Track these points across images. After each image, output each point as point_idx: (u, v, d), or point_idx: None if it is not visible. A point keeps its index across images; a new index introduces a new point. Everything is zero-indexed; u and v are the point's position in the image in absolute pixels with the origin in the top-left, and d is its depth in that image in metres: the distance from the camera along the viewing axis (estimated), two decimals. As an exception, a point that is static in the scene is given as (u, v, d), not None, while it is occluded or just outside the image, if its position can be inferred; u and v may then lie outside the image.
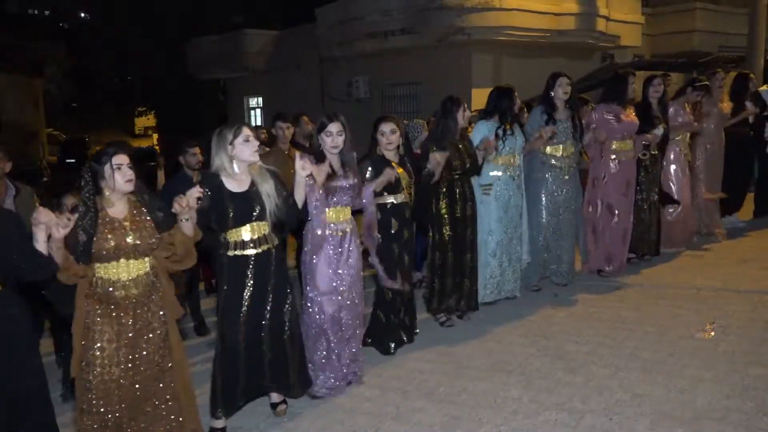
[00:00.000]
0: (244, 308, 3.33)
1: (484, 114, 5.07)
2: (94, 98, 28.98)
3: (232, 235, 3.29)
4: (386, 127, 4.15)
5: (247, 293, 3.33)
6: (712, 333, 4.34)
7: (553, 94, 5.28)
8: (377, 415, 3.54)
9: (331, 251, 3.72)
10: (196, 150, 5.23)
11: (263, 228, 3.33)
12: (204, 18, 20.79)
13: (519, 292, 5.25)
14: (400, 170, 4.17)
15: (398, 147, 4.21)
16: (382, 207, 4.14)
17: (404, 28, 12.99)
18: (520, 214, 5.13)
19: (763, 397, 3.44)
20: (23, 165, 15.14)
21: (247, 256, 3.30)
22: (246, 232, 3.29)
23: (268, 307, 3.38)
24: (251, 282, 3.32)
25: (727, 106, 6.86)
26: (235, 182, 3.30)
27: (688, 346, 4.15)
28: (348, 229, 3.78)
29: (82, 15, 32.89)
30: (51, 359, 4.82)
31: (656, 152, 5.99)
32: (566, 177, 5.37)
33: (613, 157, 5.66)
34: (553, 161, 5.34)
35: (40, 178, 18.11)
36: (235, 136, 3.25)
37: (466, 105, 4.69)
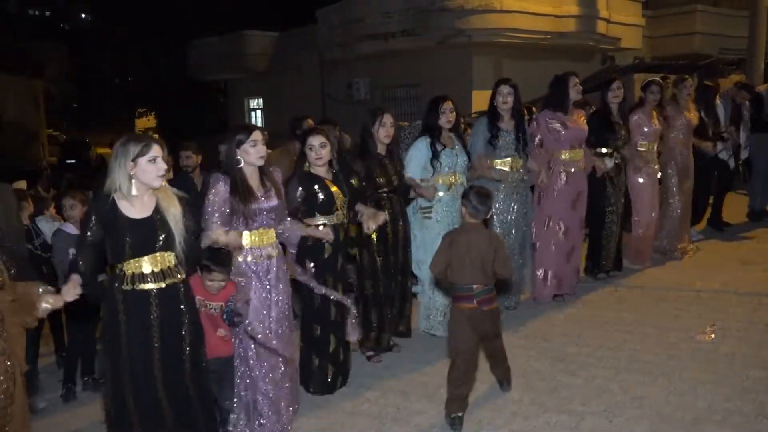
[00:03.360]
0: (156, 357, 2.77)
1: (422, 129, 4.64)
2: (94, 99, 28.98)
3: (130, 267, 2.74)
4: (315, 141, 3.72)
5: (155, 338, 2.77)
6: (712, 335, 4.34)
7: (496, 103, 4.83)
8: (378, 417, 3.54)
9: (252, 278, 3.28)
10: (189, 152, 5.29)
11: (168, 259, 2.81)
12: (205, 19, 20.83)
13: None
14: (334, 188, 3.76)
15: (331, 162, 3.81)
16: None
17: (405, 30, 13.01)
18: None
19: (763, 399, 3.44)
20: (24, 165, 15.15)
21: (147, 291, 2.76)
22: (146, 264, 2.75)
23: (187, 351, 2.85)
24: (157, 322, 2.77)
25: (695, 115, 6.30)
26: (134, 206, 2.77)
27: (688, 349, 4.15)
28: (273, 254, 3.36)
29: (83, 16, 32.91)
30: (51, 360, 4.83)
31: (619, 161, 5.56)
32: (515, 193, 4.90)
33: (562, 168, 5.15)
34: (500, 177, 4.87)
35: (41, 178, 18.11)
36: (141, 154, 2.71)
37: (387, 118, 4.19)
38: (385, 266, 4.27)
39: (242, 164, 3.22)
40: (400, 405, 3.66)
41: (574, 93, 5.10)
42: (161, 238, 2.77)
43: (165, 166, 2.79)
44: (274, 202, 3.30)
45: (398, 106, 14.09)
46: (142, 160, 2.72)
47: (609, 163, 5.45)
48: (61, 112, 31.39)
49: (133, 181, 2.74)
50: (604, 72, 13.19)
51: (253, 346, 3.32)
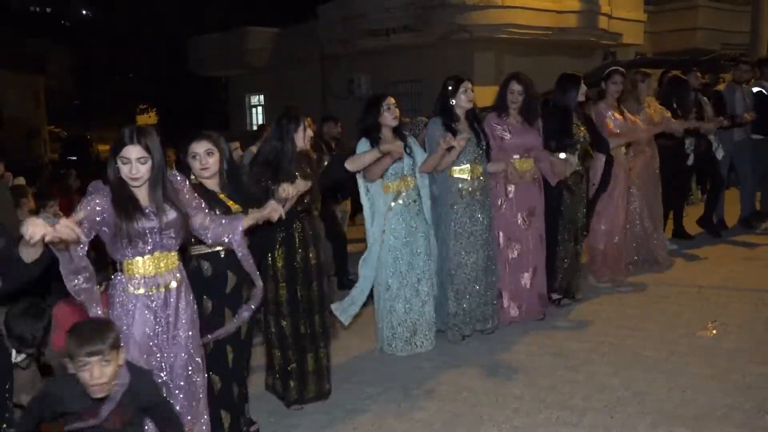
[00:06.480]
0: None
1: (360, 131, 4.17)
2: (95, 95, 29.00)
3: None
4: (199, 148, 3.03)
5: None
6: (714, 331, 4.34)
7: (454, 102, 4.28)
8: (378, 413, 3.55)
9: (146, 315, 2.58)
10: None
11: None
12: (205, 15, 20.83)
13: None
14: (231, 203, 3.09)
15: (221, 173, 3.12)
16: (214, 256, 3.04)
17: (406, 26, 13.03)
18: (429, 245, 4.24)
19: (765, 395, 3.44)
20: (25, 162, 15.18)
21: None
22: None
23: None
24: None
25: (655, 111, 5.70)
26: None
27: (690, 345, 4.15)
28: (173, 284, 2.64)
29: (84, 12, 32.89)
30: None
31: (580, 167, 4.88)
32: (478, 204, 4.34)
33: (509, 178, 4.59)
34: (460, 185, 4.30)
35: (42, 175, 18.16)
36: None
37: (308, 123, 3.53)
38: (291, 300, 3.54)
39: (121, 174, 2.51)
40: (401, 401, 3.66)
41: (512, 96, 4.52)
42: None
43: None
44: (166, 217, 2.57)
45: (399, 102, 13.97)
46: None
47: (573, 160, 4.76)
48: (62, 108, 31.39)
49: None
50: (604, 68, 13.18)
51: None
